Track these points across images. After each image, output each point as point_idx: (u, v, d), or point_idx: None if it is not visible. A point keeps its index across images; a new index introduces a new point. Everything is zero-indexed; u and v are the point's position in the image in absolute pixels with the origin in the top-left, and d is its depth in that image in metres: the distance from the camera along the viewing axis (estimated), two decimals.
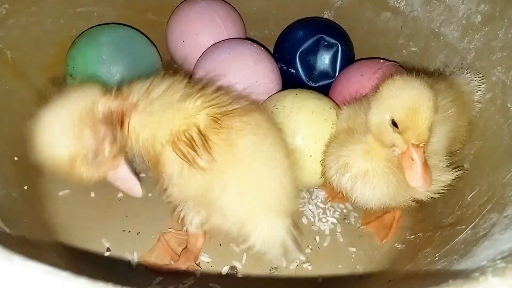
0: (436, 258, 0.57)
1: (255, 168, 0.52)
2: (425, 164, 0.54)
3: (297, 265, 0.69)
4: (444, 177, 0.59)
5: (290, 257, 0.58)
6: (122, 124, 0.53)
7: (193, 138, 0.51)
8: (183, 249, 0.68)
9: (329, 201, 0.78)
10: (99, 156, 0.52)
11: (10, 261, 0.26)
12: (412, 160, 0.54)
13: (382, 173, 0.58)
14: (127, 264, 0.67)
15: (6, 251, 0.27)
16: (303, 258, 0.70)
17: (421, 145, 0.53)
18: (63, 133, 0.51)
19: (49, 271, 0.26)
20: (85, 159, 0.51)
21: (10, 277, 0.26)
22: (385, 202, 0.61)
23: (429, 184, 0.54)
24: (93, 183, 0.54)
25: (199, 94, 0.54)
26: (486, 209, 0.57)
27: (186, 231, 0.62)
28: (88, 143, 0.51)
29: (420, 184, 0.54)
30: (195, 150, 0.50)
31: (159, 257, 0.67)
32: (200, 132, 0.51)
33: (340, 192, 0.75)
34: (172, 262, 0.67)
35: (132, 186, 0.56)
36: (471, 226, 0.57)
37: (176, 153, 0.51)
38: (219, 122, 0.52)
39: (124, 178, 0.56)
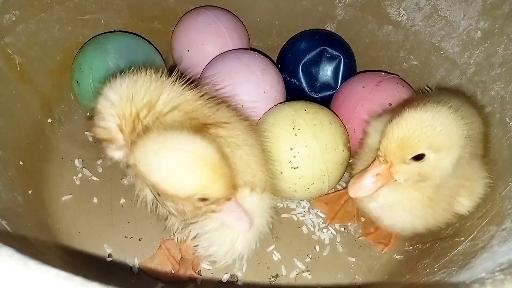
0: (435, 269, 0.58)
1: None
2: (375, 177, 0.53)
3: (297, 274, 0.70)
4: (484, 188, 0.58)
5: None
6: None
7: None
8: (181, 258, 0.68)
9: (328, 223, 0.76)
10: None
11: (25, 265, 0.27)
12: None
13: (411, 206, 0.57)
14: (128, 270, 0.68)
15: (21, 255, 0.28)
16: (303, 267, 0.70)
17: (385, 160, 0.52)
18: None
19: (63, 276, 0.26)
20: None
21: (25, 281, 0.27)
22: (418, 230, 0.60)
23: (357, 191, 0.54)
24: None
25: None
26: (485, 222, 0.58)
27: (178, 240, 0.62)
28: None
29: (352, 189, 0.54)
30: None
31: (160, 264, 0.68)
32: None
33: (337, 213, 0.76)
34: (173, 271, 0.67)
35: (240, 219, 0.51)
36: (469, 238, 0.58)
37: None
38: None
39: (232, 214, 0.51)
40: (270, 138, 0.69)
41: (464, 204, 0.58)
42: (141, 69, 0.53)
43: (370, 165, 0.54)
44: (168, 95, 0.52)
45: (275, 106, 0.75)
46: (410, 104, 0.53)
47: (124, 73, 0.53)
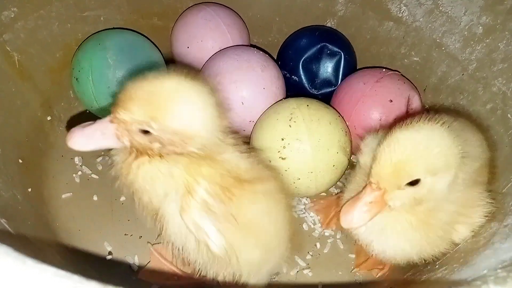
0: (436, 266, 0.57)
1: (265, 231, 0.53)
2: (368, 206, 0.49)
3: (298, 271, 0.69)
4: (484, 213, 0.54)
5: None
6: None
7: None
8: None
9: (324, 228, 0.75)
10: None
11: (22, 263, 0.27)
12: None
13: (403, 229, 0.53)
14: (128, 267, 0.68)
15: (18, 253, 0.28)
16: (303, 264, 0.70)
17: (378, 187, 0.48)
18: None
19: (61, 274, 0.26)
20: None
21: (22, 279, 0.26)
22: (412, 257, 0.56)
23: (350, 222, 0.49)
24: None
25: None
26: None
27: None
28: None
29: (344, 220, 0.50)
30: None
31: (158, 272, 0.67)
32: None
33: (332, 218, 0.74)
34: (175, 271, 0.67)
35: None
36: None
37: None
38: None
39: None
40: (266, 126, 0.70)
41: (461, 232, 0.55)
42: None
43: (362, 191, 0.50)
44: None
45: (281, 100, 0.75)
46: (401, 123, 0.49)
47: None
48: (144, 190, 0.50)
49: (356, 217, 0.49)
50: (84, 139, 0.46)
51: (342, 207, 0.51)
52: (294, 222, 0.59)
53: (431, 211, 0.52)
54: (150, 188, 0.50)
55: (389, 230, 0.54)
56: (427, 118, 0.49)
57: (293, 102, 0.72)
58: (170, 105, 0.45)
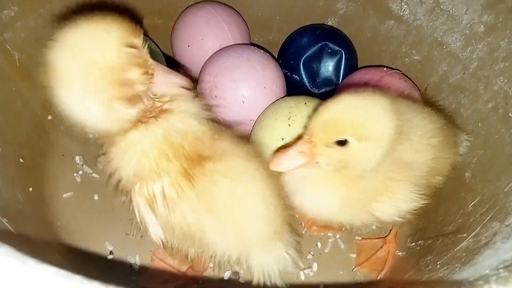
0: (438, 266, 0.57)
1: (232, 211, 0.52)
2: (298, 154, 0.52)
3: (299, 271, 0.69)
4: (410, 204, 0.56)
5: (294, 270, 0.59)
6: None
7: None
8: (188, 268, 0.67)
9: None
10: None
11: (24, 263, 0.27)
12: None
13: (322, 184, 0.55)
14: (129, 267, 0.68)
15: (19, 253, 0.28)
16: (304, 264, 0.70)
17: (310, 139, 0.51)
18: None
19: (62, 274, 0.26)
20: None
21: (23, 279, 0.26)
22: (330, 217, 0.57)
23: (277, 165, 0.52)
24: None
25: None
26: (488, 218, 0.57)
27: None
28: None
29: (273, 162, 0.52)
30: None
31: (159, 277, 0.67)
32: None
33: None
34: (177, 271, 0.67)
35: (176, 82, 0.50)
36: (472, 234, 0.58)
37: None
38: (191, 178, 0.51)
39: (166, 79, 0.50)
40: (265, 127, 0.70)
41: (383, 210, 0.56)
42: None
43: (296, 142, 0.53)
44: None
45: (279, 99, 0.75)
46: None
47: None
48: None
49: (284, 162, 0.52)
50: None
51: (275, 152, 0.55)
52: (286, 198, 0.58)
53: (354, 182, 0.54)
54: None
55: (308, 181, 0.55)
56: (375, 92, 0.51)
57: (290, 101, 0.71)
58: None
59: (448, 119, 0.69)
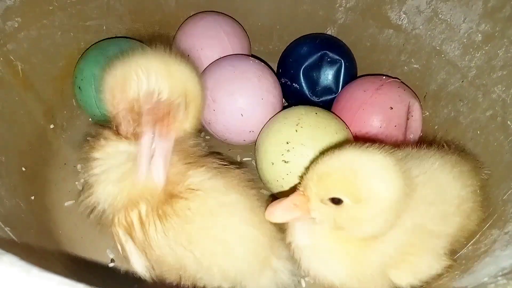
0: None
1: (211, 247, 0.52)
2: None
3: (298, 280, 0.69)
4: (432, 272, 0.52)
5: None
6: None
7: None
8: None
9: None
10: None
11: (27, 272, 0.27)
12: None
13: (331, 253, 0.52)
14: (131, 275, 0.68)
15: (23, 262, 0.28)
16: (302, 273, 0.70)
17: (304, 193, 0.49)
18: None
19: (66, 283, 0.26)
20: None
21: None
22: (345, 282, 0.53)
23: (271, 215, 0.50)
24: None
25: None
26: (487, 225, 0.58)
27: None
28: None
29: (267, 212, 0.50)
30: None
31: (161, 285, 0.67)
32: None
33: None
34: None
35: (140, 163, 0.51)
36: (472, 242, 0.58)
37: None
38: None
39: (139, 152, 0.52)
40: (273, 129, 0.71)
41: (401, 277, 0.52)
42: None
43: (291, 192, 0.51)
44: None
45: (292, 106, 0.76)
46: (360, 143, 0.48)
47: None
48: None
49: (278, 213, 0.50)
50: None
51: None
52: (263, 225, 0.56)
53: (364, 247, 0.50)
54: None
55: (318, 247, 0.52)
56: (384, 147, 0.47)
57: (302, 109, 0.72)
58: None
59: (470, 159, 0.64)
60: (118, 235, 0.52)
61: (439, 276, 0.52)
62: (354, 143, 0.49)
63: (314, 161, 0.49)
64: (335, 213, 0.47)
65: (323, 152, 0.60)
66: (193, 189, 0.52)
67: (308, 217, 0.49)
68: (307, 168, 0.49)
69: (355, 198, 0.45)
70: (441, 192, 0.53)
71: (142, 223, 0.51)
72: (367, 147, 0.47)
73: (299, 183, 0.51)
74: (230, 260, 0.53)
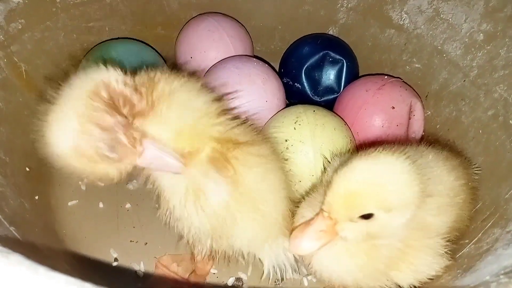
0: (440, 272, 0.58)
1: (261, 200, 0.52)
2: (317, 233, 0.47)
3: (303, 277, 0.70)
4: (432, 271, 0.51)
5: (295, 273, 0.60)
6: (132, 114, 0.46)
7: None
8: (191, 273, 0.68)
9: None
10: (117, 147, 0.44)
11: (35, 271, 0.28)
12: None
13: (338, 251, 0.50)
14: (134, 274, 0.68)
15: (30, 261, 0.28)
16: (306, 271, 0.70)
17: (329, 216, 0.46)
18: (63, 130, 0.46)
19: (73, 282, 0.27)
20: (99, 155, 0.43)
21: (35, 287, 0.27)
22: (346, 283, 0.53)
23: (298, 248, 0.48)
24: (126, 178, 0.48)
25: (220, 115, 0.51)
26: (489, 224, 0.58)
27: (193, 256, 0.63)
28: (95, 138, 0.43)
29: (293, 245, 0.48)
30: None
31: (163, 283, 0.67)
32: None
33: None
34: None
35: (168, 163, 0.46)
36: (474, 240, 0.58)
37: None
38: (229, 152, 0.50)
39: (157, 158, 0.46)
40: (272, 128, 0.71)
41: (403, 277, 0.52)
42: None
43: (314, 217, 0.48)
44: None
45: (292, 106, 0.76)
46: (363, 151, 0.47)
47: None
48: None
49: (305, 244, 0.47)
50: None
51: (292, 230, 0.50)
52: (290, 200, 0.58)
53: (374, 243, 0.49)
54: None
55: (329, 247, 0.50)
56: (392, 149, 0.47)
57: (300, 107, 0.73)
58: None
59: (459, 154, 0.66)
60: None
61: (439, 276, 0.53)
62: (361, 151, 0.48)
63: (328, 181, 0.47)
64: (366, 227, 0.46)
65: (330, 163, 0.63)
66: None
67: (336, 239, 0.47)
68: (328, 190, 0.46)
69: (386, 209, 0.44)
70: (437, 184, 0.53)
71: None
72: (378, 153, 0.46)
73: (321, 208, 0.47)
74: (273, 211, 0.53)
